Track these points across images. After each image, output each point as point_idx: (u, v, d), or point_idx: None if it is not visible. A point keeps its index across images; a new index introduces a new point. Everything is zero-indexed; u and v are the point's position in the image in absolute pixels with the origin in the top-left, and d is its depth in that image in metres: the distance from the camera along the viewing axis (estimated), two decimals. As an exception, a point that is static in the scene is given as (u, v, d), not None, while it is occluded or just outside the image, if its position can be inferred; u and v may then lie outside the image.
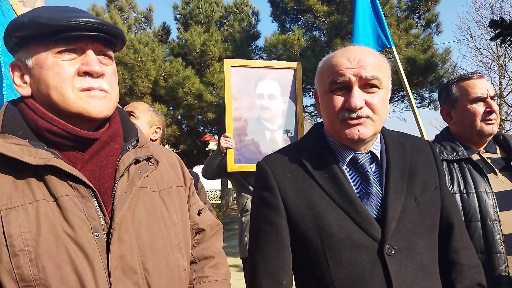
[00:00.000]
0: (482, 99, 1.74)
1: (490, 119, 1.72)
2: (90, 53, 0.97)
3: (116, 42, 1.04)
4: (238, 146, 2.96)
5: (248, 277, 1.19)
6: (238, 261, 3.78)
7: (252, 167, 2.95)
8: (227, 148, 2.89)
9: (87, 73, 0.96)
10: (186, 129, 11.93)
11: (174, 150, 12.13)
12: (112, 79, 1.03)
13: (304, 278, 1.16)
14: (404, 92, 3.41)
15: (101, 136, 0.99)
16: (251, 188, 3.08)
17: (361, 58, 1.11)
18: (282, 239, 1.14)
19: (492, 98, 1.74)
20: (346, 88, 1.12)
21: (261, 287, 1.13)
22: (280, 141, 3.07)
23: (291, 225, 1.14)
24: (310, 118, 13.37)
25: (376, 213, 1.11)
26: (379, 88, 1.12)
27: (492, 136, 1.78)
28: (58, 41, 0.94)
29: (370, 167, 1.17)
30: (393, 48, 3.41)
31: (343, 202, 1.10)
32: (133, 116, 2.31)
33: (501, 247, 1.53)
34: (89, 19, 0.95)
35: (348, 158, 1.17)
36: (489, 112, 1.72)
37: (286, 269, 1.14)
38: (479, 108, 1.73)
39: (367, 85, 1.11)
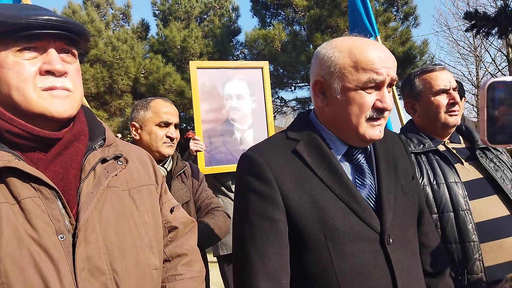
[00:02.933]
0: (445, 91, 1.75)
1: (454, 111, 1.75)
2: (51, 51, 0.95)
3: (79, 39, 1.02)
4: (209, 149, 2.95)
5: (241, 275, 1.09)
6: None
7: (223, 168, 2.95)
8: (197, 151, 2.86)
9: (49, 72, 0.94)
10: (168, 126, 11.84)
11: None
12: (76, 77, 1.01)
13: (300, 273, 1.10)
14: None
15: (64, 136, 0.97)
16: (223, 188, 3.07)
17: (390, 58, 1.10)
18: (281, 236, 1.08)
19: (454, 89, 1.77)
20: (376, 87, 1.09)
21: None
22: (250, 140, 3.06)
23: (290, 220, 1.08)
24: (293, 112, 13.41)
25: (372, 204, 1.12)
26: (392, 87, 1.14)
27: (455, 127, 1.81)
28: (18, 39, 0.92)
29: (363, 159, 1.18)
30: (378, 37, 3.45)
31: (343, 194, 1.09)
32: (177, 127, 2.09)
33: (474, 236, 1.56)
34: (50, 17, 0.93)
35: (344, 151, 1.16)
36: (452, 103, 1.74)
37: (285, 267, 1.08)
38: (443, 100, 1.75)
39: (388, 85, 1.11)
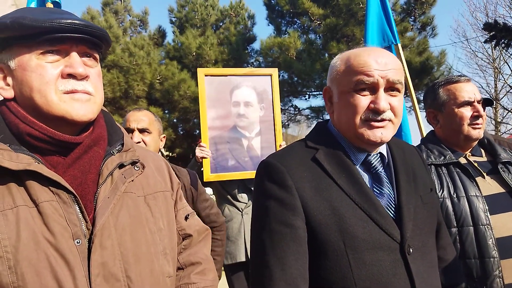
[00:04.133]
0: (470, 103, 1.73)
1: (477, 124, 1.72)
2: (74, 55, 0.96)
3: (101, 43, 1.02)
4: (215, 155, 2.92)
5: (260, 282, 1.08)
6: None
7: (229, 176, 2.92)
8: (202, 157, 2.85)
9: (71, 75, 0.95)
10: (182, 132, 11.88)
11: (170, 154, 12.09)
12: (97, 81, 1.01)
13: (320, 280, 1.10)
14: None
15: (83, 140, 0.97)
16: (229, 197, 3.04)
17: (387, 61, 1.12)
18: (301, 243, 1.08)
19: (479, 102, 1.74)
20: (371, 90, 1.12)
21: None
22: (258, 148, 3.03)
23: (310, 227, 1.08)
24: (306, 121, 13.36)
25: (391, 214, 1.12)
26: (399, 92, 1.15)
27: (477, 140, 1.77)
28: (42, 42, 0.92)
29: (382, 168, 1.19)
30: (399, 45, 3.40)
31: (363, 202, 1.09)
32: (147, 132, 2.18)
33: (494, 252, 1.52)
34: (73, 21, 0.93)
35: (362, 159, 1.17)
36: (476, 116, 1.71)
37: (304, 275, 1.08)
38: (467, 112, 1.72)
39: (390, 88, 1.13)
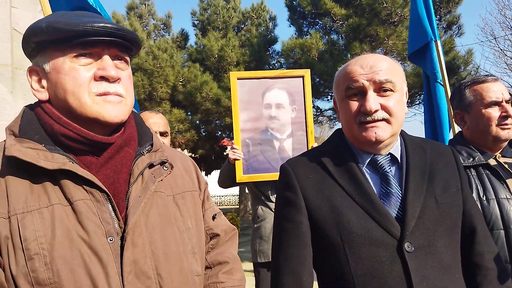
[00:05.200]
0: (497, 103, 1.68)
1: (506, 124, 1.66)
2: (106, 58, 0.98)
3: (132, 47, 1.04)
4: (247, 157, 2.97)
5: (271, 273, 1.23)
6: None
7: (261, 177, 2.95)
8: (235, 159, 2.91)
9: (103, 78, 0.97)
10: (204, 134, 12.01)
11: (192, 155, 12.21)
12: (128, 83, 1.03)
13: (324, 274, 1.19)
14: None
15: (116, 141, 0.99)
16: (262, 197, 3.09)
17: (373, 64, 1.16)
18: (303, 237, 1.17)
19: (507, 102, 1.68)
20: (361, 93, 1.17)
21: (283, 284, 1.16)
22: (289, 149, 3.04)
23: (312, 223, 1.17)
24: (328, 122, 13.26)
25: (396, 212, 1.14)
26: (393, 91, 1.17)
27: (507, 141, 1.72)
28: (75, 46, 0.95)
29: (390, 169, 1.20)
30: (438, 41, 3.33)
31: (362, 200, 1.14)
32: (165, 135, 2.29)
33: None
34: (105, 25, 0.95)
35: (368, 160, 1.21)
36: (505, 116, 1.66)
37: (306, 265, 1.17)
38: (494, 112, 1.67)
39: (381, 89, 1.16)
